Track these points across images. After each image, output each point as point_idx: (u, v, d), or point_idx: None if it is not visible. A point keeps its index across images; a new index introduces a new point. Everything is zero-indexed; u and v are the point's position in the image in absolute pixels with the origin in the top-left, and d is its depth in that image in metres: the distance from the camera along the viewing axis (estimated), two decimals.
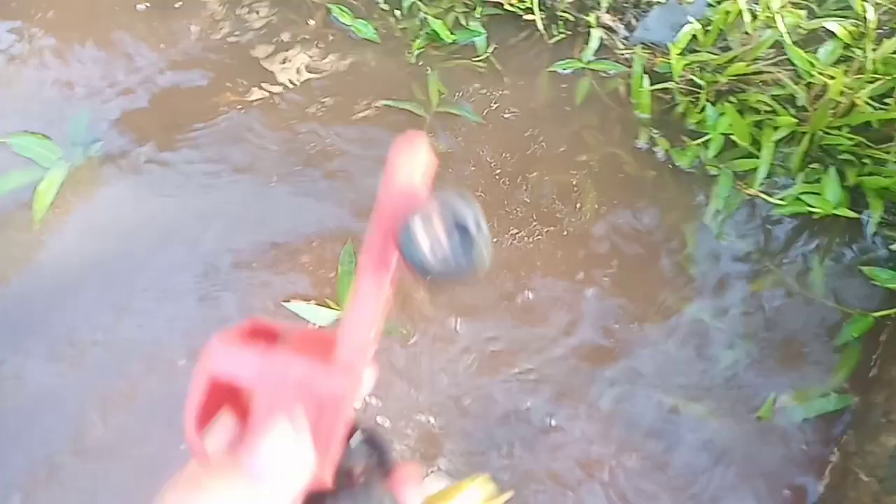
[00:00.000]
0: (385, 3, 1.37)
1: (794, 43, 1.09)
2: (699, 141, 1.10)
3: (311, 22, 1.37)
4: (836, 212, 0.97)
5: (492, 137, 1.17)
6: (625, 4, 1.29)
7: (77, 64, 1.33)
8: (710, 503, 0.84)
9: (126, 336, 1.00)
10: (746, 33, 1.14)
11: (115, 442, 0.92)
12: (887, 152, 0.99)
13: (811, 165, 1.03)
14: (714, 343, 0.94)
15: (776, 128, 1.05)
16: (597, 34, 1.23)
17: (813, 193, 0.99)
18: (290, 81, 1.27)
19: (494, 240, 1.04)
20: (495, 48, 1.27)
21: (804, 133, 1.04)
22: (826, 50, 1.09)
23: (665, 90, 1.16)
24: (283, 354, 0.27)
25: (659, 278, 1.00)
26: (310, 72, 1.29)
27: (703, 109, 1.10)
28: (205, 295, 1.03)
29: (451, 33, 1.28)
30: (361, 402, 0.31)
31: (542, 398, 0.91)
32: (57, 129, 1.21)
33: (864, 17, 1.11)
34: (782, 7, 1.11)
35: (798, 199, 1.00)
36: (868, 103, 1.01)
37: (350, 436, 0.29)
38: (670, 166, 1.11)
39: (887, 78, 1.02)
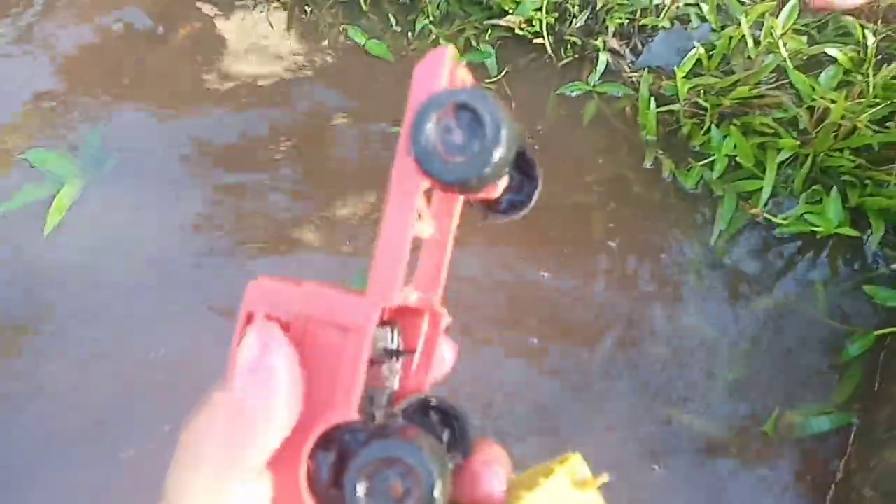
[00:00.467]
0: (398, 24, 1.41)
1: (796, 68, 1.12)
2: (704, 162, 1.12)
3: (326, 43, 1.41)
4: (839, 231, 0.99)
5: None
6: (631, 29, 1.33)
7: (91, 81, 1.37)
8: None
9: (132, 348, 1.02)
10: (749, 58, 1.17)
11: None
12: (888, 174, 1.02)
13: (813, 186, 1.05)
14: (717, 359, 0.96)
15: (779, 150, 1.07)
16: (604, 58, 1.27)
17: (815, 214, 1.02)
18: (306, 100, 1.31)
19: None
20: (507, 72, 1.31)
21: (807, 155, 1.06)
22: (827, 75, 1.12)
23: (670, 112, 1.19)
24: (314, 285, 0.25)
25: (663, 295, 1.02)
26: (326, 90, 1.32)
27: (707, 131, 1.13)
28: (214, 307, 1.05)
29: (462, 56, 1.32)
30: (442, 378, 0.29)
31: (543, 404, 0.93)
32: (71, 146, 1.24)
33: (864, 44, 1.14)
34: (784, 33, 1.14)
35: (801, 218, 1.02)
36: (869, 126, 1.04)
37: (423, 408, 0.27)
38: (675, 187, 1.14)
39: (887, 102, 1.05)
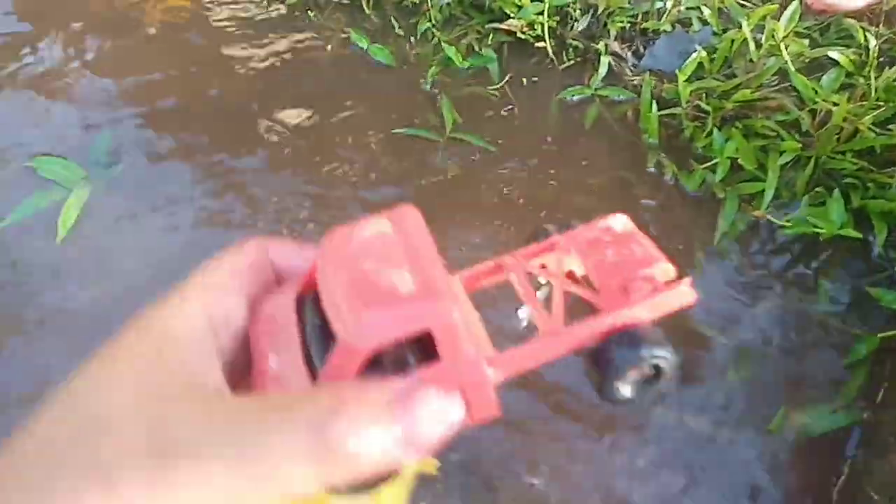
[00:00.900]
0: (400, 28, 1.41)
1: (798, 70, 1.13)
2: (706, 165, 1.12)
3: (329, 48, 1.42)
4: (841, 232, 0.99)
5: (502, 162, 1.20)
6: (633, 33, 1.33)
7: (96, 87, 1.38)
8: None
9: None
10: (751, 61, 1.18)
11: None
12: (891, 177, 1.02)
13: (816, 189, 1.06)
14: (721, 360, 0.96)
15: (782, 152, 1.08)
16: (606, 61, 1.27)
17: (818, 216, 1.02)
18: (310, 104, 1.31)
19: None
20: (510, 77, 1.31)
21: (809, 157, 1.07)
22: (829, 77, 1.12)
23: (672, 115, 1.19)
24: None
25: None
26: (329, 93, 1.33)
27: (709, 134, 1.13)
28: None
29: (464, 59, 1.32)
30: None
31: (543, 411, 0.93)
32: (78, 153, 1.25)
33: (866, 46, 1.14)
34: (786, 36, 1.14)
35: (803, 220, 1.02)
36: (871, 129, 1.04)
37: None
38: (678, 190, 1.14)
39: (890, 105, 1.05)
